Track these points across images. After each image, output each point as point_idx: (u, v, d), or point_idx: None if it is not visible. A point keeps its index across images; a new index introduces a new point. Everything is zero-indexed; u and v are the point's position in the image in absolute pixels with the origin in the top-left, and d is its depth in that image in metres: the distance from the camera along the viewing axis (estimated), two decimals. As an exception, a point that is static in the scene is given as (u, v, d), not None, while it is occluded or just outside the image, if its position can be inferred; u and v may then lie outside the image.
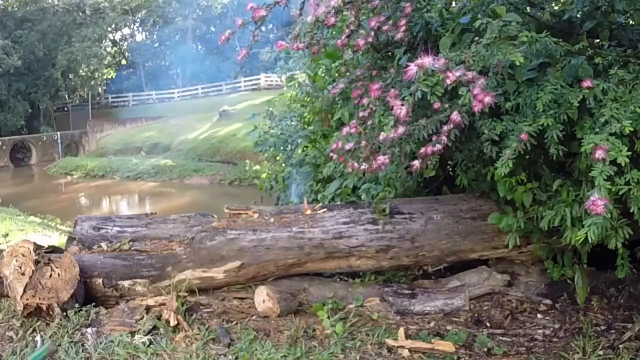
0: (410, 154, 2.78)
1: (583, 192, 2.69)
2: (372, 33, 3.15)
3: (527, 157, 2.93)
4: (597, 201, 2.14)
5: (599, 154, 2.24)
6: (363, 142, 2.93)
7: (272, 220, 3.71)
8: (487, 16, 2.92)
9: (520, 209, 3.18)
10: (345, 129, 3.09)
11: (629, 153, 2.24)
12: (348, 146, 3.01)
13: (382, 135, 2.69)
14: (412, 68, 2.45)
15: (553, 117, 2.51)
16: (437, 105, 2.60)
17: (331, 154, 3.26)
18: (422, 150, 2.65)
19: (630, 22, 3.35)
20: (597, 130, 2.37)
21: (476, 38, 2.75)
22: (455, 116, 2.56)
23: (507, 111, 2.71)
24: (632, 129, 2.29)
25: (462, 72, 2.44)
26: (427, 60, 2.44)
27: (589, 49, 2.81)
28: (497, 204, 3.47)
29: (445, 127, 2.61)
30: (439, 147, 2.60)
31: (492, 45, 2.59)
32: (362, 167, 2.85)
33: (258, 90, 32.46)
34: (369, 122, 2.97)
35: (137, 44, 44.61)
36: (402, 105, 2.53)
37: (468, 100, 2.46)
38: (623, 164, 2.24)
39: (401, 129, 2.60)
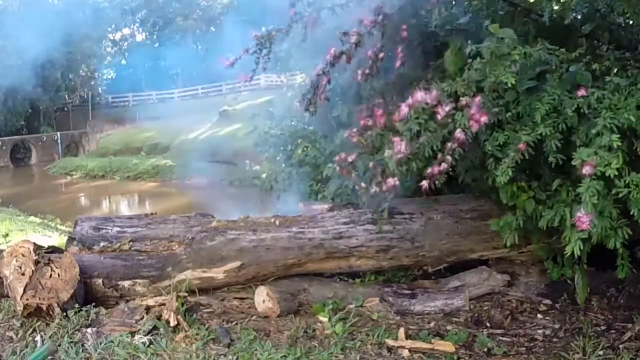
0: (417, 172, 2.80)
1: (583, 192, 2.68)
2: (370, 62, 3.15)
3: (527, 158, 2.94)
4: (583, 217, 2.19)
5: (587, 169, 2.27)
6: (371, 164, 2.94)
7: (272, 220, 3.71)
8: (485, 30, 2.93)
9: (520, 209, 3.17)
10: (347, 133, 3.10)
11: (621, 164, 2.26)
12: (350, 158, 3.02)
13: (387, 152, 2.72)
14: (404, 108, 2.50)
15: (552, 126, 2.53)
16: (440, 116, 2.62)
17: (336, 166, 3.26)
18: (429, 170, 2.68)
19: (630, 22, 3.35)
20: (590, 140, 2.40)
21: (469, 60, 2.76)
22: (459, 134, 2.58)
23: (508, 121, 2.72)
24: (619, 144, 2.31)
25: (452, 106, 2.49)
26: (419, 96, 2.49)
27: (587, 54, 2.82)
28: (497, 204, 3.46)
29: (449, 145, 2.63)
30: (444, 166, 2.63)
31: (484, 68, 2.61)
32: (373, 189, 2.88)
33: (258, 90, 32.43)
34: (369, 132, 2.97)
35: (137, 44, 44.59)
36: (402, 140, 2.59)
37: (463, 124, 2.48)
38: (612, 176, 2.26)
39: (404, 145, 2.64)
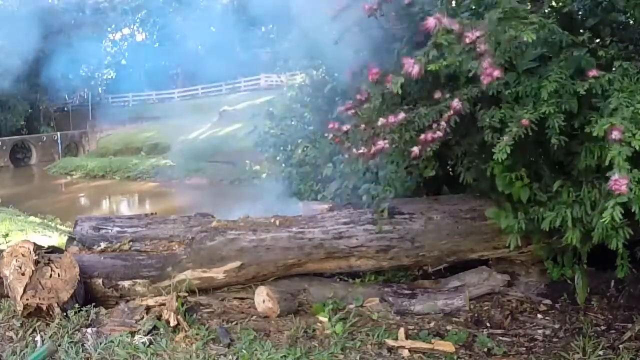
0: (410, 141, 2.75)
1: (583, 192, 2.68)
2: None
3: (528, 156, 2.93)
4: (620, 180, 2.11)
5: (615, 134, 2.20)
6: (362, 125, 2.86)
7: (272, 220, 3.71)
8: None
9: (520, 209, 3.17)
10: (340, 109, 3.05)
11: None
12: (345, 127, 2.94)
13: (381, 121, 2.67)
14: (431, 21, 2.43)
15: (555, 105, 2.50)
16: (437, 95, 2.58)
17: (327, 134, 3.19)
18: (422, 136, 2.62)
19: (631, 21, 3.35)
20: (608, 115, 2.35)
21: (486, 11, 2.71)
22: (455, 103, 2.55)
23: (507, 100, 2.70)
24: None
25: (481, 32, 2.41)
26: (444, 20, 2.43)
27: (591, 42, 2.80)
28: (497, 204, 3.46)
29: (445, 115, 2.59)
30: (439, 134, 2.57)
31: (503, 21, 2.54)
32: (361, 150, 2.78)
33: (258, 90, 32.41)
34: (365, 106, 2.91)
35: (137, 44, 44.56)
36: (415, 64, 2.47)
37: (479, 71, 2.41)
38: (638, 148, 2.19)
39: (401, 115, 2.59)
